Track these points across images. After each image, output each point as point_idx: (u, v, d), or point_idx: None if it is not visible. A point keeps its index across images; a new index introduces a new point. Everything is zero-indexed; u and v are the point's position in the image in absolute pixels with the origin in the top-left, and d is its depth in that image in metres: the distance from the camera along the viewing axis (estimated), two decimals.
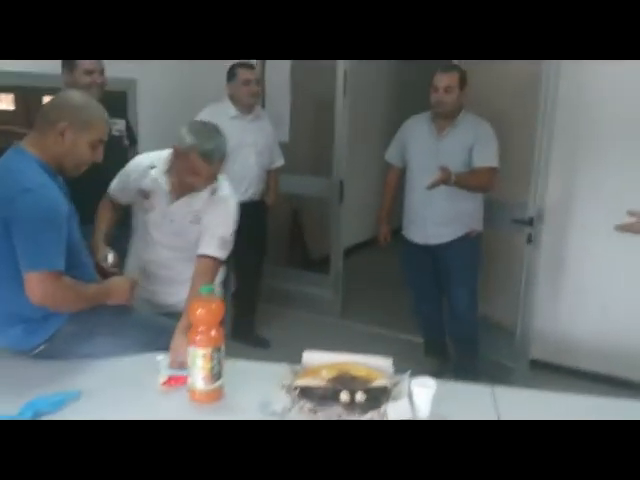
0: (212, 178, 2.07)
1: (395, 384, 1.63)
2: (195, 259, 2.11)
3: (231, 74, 3.41)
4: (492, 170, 2.93)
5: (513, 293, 3.18)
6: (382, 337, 3.81)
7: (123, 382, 1.67)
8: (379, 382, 1.62)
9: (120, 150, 2.81)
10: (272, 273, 4.26)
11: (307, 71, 4.19)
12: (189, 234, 2.15)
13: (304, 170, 4.32)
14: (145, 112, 3.63)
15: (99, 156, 1.79)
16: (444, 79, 2.91)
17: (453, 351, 3.29)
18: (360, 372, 1.67)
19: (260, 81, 3.47)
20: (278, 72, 4.22)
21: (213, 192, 2.12)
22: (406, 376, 1.64)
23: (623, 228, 2.09)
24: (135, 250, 2.32)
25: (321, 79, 4.14)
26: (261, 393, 1.57)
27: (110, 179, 2.32)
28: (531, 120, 2.98)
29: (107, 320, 1.82)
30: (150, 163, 2.19)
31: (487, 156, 2.92)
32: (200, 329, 1.55)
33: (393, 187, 3.30)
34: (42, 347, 1.75)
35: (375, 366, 1.72)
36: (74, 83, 2.69)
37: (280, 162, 3.73)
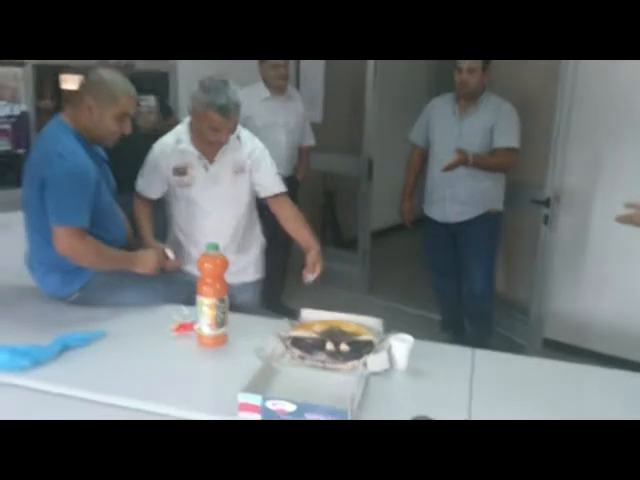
0: (233, 129, 2.17)
1: (380, 340, 1.80)
2: (273, 203, 2.36)
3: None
4: (512, 150, 3.01)
5: (530, 273, 3.29)
6: (403, 313, 3.96)
7: (144, 328, 1.91)
8: (365, 337, 1.80)
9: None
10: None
11: None
12: (239, 185, 2.30)
13: (336, 149, 4.49)
14: (185, 92, 3.87)
15: (127, 128, 1.99)
16: (467, 60, 2.99)
17: (468, 327, 3.41)
18: (349, 328, 1.85)
19: (288, 64, 3.61)
20: None
21: (238, 137, 2.27)
22: (391, 334, 1.81)
23: (623, 219, 2.14)
24: (178, 237, 2.38)
25: (353, 61, 4.28)
26: (259, 341, 1.77)
27: (146, 149, 2.46)
28: (552, 101, 3.06)
29: (135, 274, 2.04)
30: (174, 140, 2.27)
31: (508, 136, 3.00)
32: (207, 281, 1.76)
33: (416, 166, 3.40)
34: (76, 294, 2.00)
35: (365, 324, 1.91)
36: (104, 63, 2.94)
37: (311, 141, 3.89)
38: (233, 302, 2.29)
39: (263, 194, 2.38)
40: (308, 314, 1.97)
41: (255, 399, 1.39)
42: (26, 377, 1.55)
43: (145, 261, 2.03)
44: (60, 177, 1.83)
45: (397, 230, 5.47)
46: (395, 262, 5.14)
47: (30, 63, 3.07)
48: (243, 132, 2.33)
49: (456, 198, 3.11)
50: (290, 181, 3.81)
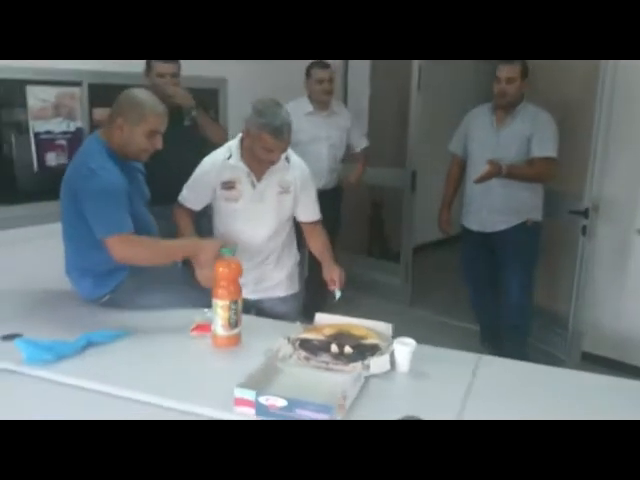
0: (285, 149, 2.26)
1: (387, 344, 1.84)
2: (307, 228, 2.47)
3: (308, 73, 3.70)
4: (550, 160, 2.99)
5: (570, 285, 3.22)
6: (444, 324, 3.95)
7: (166, 328, 2.02)
8: (371, 340, 1.85)
9: (191, 137, 3.14)
10: (348, 260, 4.52)
11: (385, 67, 4.42)
12: (282, 205, 2.38)
13: (381, 162, 4.54)
14: (234, 107, 4.04)
15: (157, 144, 2.11)
16: (506, 70, 3.02)
17: (505, 339, 3.37)
18: (358, 331, 1.91)
19: (332, 80, 3.69)
20: (359, 69, 4.49)
21: (287, 158, 2.36)
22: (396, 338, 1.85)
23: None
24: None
25: (398, 75, 4.34)
26: (271, 343, 1.85)
27: (183, 164, 2.56)
28: (591, 109, 3.02)
29: (163, 278, 2.18)
30: (224, 155, 2.34)
31: (545, 146, 2.99)
32: (222, 284, 1.86)
33: (455, 177, 3.43)
34: (108, 297, 2.14)
35: (375, 328, 1.95)
36: (153, 85, 3.10)
37: (364, 144, 3.92)
38: (270, 314, 2.41)
39: (301, 218, 2.48)
40: (322, 318, 2.03)
41: (249, 394, 1.47)
42: (49, 370, 1.67)
43: (207, 248, 2.03)
44: (93, 192, 1.97)
45: (441, 244, 5.46)
46: (438, 275, 5.13)
47: (86, 82, 3.30)
48: (293, 156, 2.42)
49: (492, 208, 3.12)
50: (331, 194, 3.91)
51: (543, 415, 1.47)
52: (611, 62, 2.91)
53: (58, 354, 1.72)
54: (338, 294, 2.41)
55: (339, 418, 1.44)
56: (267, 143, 2.16)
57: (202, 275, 2.03)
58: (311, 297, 4.04)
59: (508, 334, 3.27)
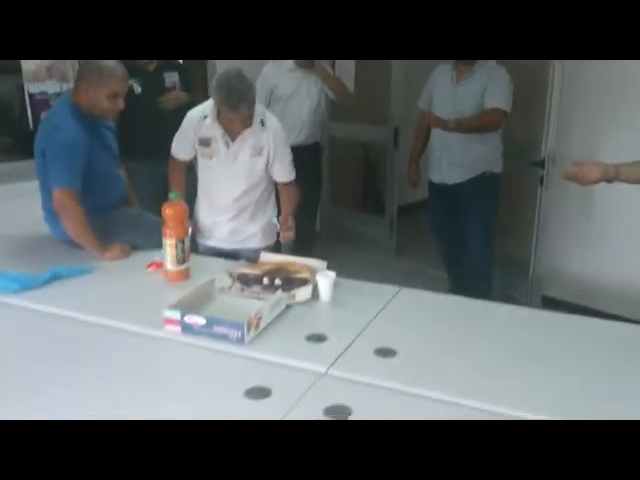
0: (247, 121, 2.37)
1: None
2: (281, 187, 2.64)
3: None
4: (499, 111, 3.09)
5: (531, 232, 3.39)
6: (424, 274, 4.12)
7: (126, 265, 2.28)
8: (302, 274, 2.08)
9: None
10: (338, 215, 4.76)
11: None
12: (255, 166, 2.50)
13: (367, 119, 4.70)
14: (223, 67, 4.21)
15: (118, 106, 2.32)
16: None
17: (467, 286, 3.53)
18: (293, 267, 2.13)
19: None
20: None
21: (262, 123, 2.46)
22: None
23: (568, 176, 2.24)
24: (203, 203, 2.64)
25: None
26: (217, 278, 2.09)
27: (167, 122, 2.79)
28: (549, 67, 3.14)
29: (131, 220, 2.45)
30: (202, 114, 2.47)
31: (496, 98, 3.08)
32: (169, 225, 2.09)
33: (423, 131, 3.53)
34: None
35: (311, 265, 2.17)
36: None
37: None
38: None
39: (275, 178, 2.62)
40: (265, 256, 2.27)
41: (175, 314, 1.72)
42: (17, 298, 1.95)
43: (110, 255, 2.30)
44: (53, 147, 2.22)
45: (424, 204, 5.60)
46: (421, 228, 5.28)
47: None
48: (270, 118, 2.53)
49: (451, 160, 3.26)
50: (314, 148, 4.08)
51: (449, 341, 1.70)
52: None
53: (24, 284, 1.99)
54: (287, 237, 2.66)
55: (251, 334, 1.68)
56: (227, 115, 2.34)
57: (108, 256, 2.30)
58: (299, 248, 4.28)
59: (470, 281, 3.42)
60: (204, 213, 2.64)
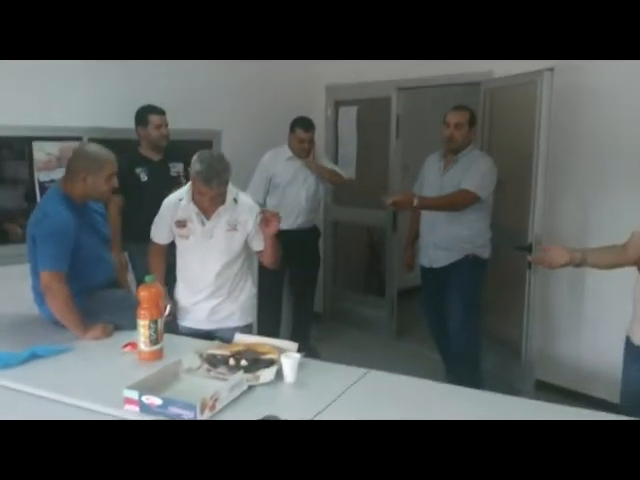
0: (216, 198, 2.50)
1: None
2: (260, 254, 2.71)
3: (292, 129, 3.98)
4: (465, 191, 3.14)
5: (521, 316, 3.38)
6: (425, 356, 4.12)
7: (105, 347, 2.35)
8: (270, 356, 2.11)
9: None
10: (343, 296, 4.82)
11: (369, 117, 4.75)
12: (231, 241, 2.61)
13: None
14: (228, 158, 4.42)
15: (114, 184, 2.51)
16: (455, 116, 3.26)
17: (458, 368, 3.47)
18: (262, 349, 2.17)
19: (313, 141, 4.00)
20: (348, 120, 4.84)
21: (235, 201, 2.61)
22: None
23: (536, 261, 2.30)
24: (182, 285, 2.73)
25: (380, 124, 4.65)
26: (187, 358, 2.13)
27: None
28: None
29: (111, 303, 2.53)
30: (178, 197, 2.64)
31: (468, 180, 3.16)
32: (144, 306, 2.17)
33: (416, 217, 3.64)
34: None
35: (281, 347, 2.21)
36: (147, 136, 3.55)
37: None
38: None
39: (255, 248, 2.71)
40: (239, 337, 2.32)
41: (134, 394, 1.76)
42: None
43: (91, 336, 2.39)
44: (42, 232, 2.37)
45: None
46: None
47: (86, 138, 3.76)
48: (242, 197, 2.68)
49: (437, 244, 3.35)
50: (313, 231, 4.21)
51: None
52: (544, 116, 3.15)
53: (3, 362, 2.06)
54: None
55: (204, 416, 1.71)
56: (199, 188, 2.48)
57: (89, 335, 2.39)
58: (297, 326, 4.31)
59: (457, 363, 3.41)
60: (183, 295, 2.72)
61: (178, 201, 2.64)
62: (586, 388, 3.36)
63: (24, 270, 3.17)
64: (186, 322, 2.72)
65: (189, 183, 2.64)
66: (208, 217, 2.60)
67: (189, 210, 2.60)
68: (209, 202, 2.52)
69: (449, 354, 3.53)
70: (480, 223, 3.30)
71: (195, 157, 2.49)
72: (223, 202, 2.57)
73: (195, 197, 2.56)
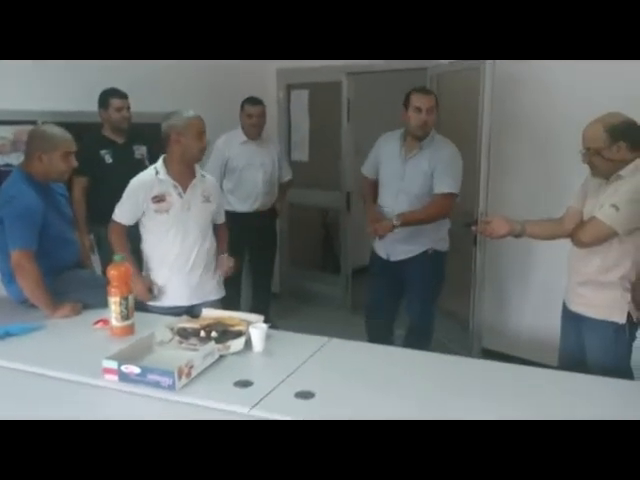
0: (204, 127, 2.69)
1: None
2: (219, 228, 2.91)
3: (241, 107, 4.09)
4: (447, 195, 3.05)
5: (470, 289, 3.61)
6: None
7: (75, 324, 2.43)
8: (239, 327, 2.25)
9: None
10: (299, 275, 4.98)
11: (320, 101, 4.90)
12: (205, 212, 2.77)
13: (320, 185, 4.99)
14: None
15: (72, 164, 2.56)
16: (427, 100, 3.03)
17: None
18: (231, 321, 2.31)
19: (262, 115, 4.10)
20: (299, 103, 4.96)
21: (203, 175, 2.81)
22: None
23: (478, 231, 2.49)
24: (158, 264, 2.76)
25: (332, 108, 4.80)
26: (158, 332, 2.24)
27: None
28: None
29: (78, 282, 2.61)
30: (152, 174, 2.68)
31: (446, 181, 3.04)
32: (114, 284, 2.26)
33: (371, 195, 3.41)
34: None
35: (248, 319, 2.35)
36: (108, 118, 3.60)
37: (288, 177, 4.36)
38: None
39: (216, 221, 2.90)
40: (208, 312, 2.44)
41: (113, 364, 1.87)
42: None
43: (60, 314, 2.47)
44: (10, 214, 2.42)
45: None
46: None
47: (40, 121, 3.75)
48: (205, 173, 2.88)
49: (396, 238, 3.14)
50: (270, 213, 4.32)
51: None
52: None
53: None
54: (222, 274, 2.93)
55: (182, 381, 1.83)
56: (198, 129, 2.65)
57: (59, 314, 2.47)
58: (256, 305, 4.44)
59: (411, 334, 3.40)
60: (160, 274, 2.76)
61: (155, 176, 2.69)
62: (530, 354, 3.58)
63: None
64: (165, 301, 2.75)
65: (160, 159, 2.75)
66: (185, 189, 2.71)
67: (166, 184, 2.69)
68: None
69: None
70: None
71: (168, 122, 2.67)
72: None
73: (191, 146, 2.65)
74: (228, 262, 2.91)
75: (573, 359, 2.42)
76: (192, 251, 2.75)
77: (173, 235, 2.72)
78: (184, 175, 2.72)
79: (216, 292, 2.90)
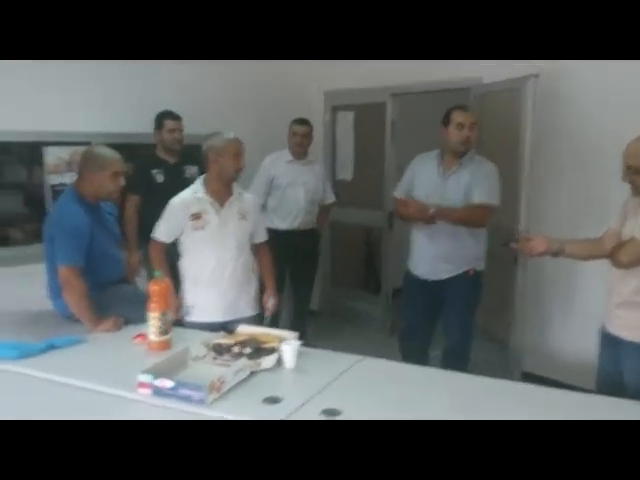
0: (242, 151, 2.79)
1: None
2: (257, 247, 2.99)
3: (290, 128, 4.22)
4: (486, 206, 3.04)
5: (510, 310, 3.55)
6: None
7: (117, 338, 2.52)
8: (272, 344, 2.28)
9: None
10: (340, 294, 4.99)
11: (365, 121, 4.94)
12: (242, 230, 2.86)
13: (364, 204, 5.01)
14: None
15: (120, 183, 2.67)
16: (470, 117, 3.06)
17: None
18: (265, 338, 2.34)
19: (308, 135, 4.20)
20: (345, 124, 5.03)
21: (241, 194, 2.89)
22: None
23: (516, 249, 2.46)
24: (194, 281, 2.85)
25: (376, 128, 4.83)
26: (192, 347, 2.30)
27: None
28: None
29: (121, 298, 2.70)
30: (191, 193, 2.81)
31: (484, 192, 3.02)
32: (154, 300, 2.34)
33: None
34: None
35: (281, 336, 2.38)
36: (162, 139, 3.75)
37: (331, 199, 4.44)
38: None
39: (256, 240, 2.98)
40: (242, 329, 2.49)
41: (147, 378, 1.93)
42: (15, 364, 2.18)
43: (102, 329, 2.56)
44: (60, 231, 2.54)
45: None
46: None
47: (94, 142, 3.92)
48: (245, 193, 2.96)
49: (437, 256, 3.14)
50: (311, 232, 4.38)
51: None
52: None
53: (22, 352, 2.23)
54: (268, 312, 2.96)
55: (213, 396, 1.87)
56: (234, 151, 2.75)
57: (101, 328, 2.56)
58: (295, 320, 4.47)
59: (449, 355, 3.35)
60: (195, 290, 2.85)
61: (192, 196, 2.81)
62: (571, 379, 3.48)
63: (24, 270, 3.37)
64: (200, 317, 2.83)
65: (201, 178, 2.88)
66: (222, 205, 2.81)
67: (204, 202, 2.79)
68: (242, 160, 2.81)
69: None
70: (483, 233, 3.20)
71: (207, 141, 2.80)
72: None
73: (227, 166, 2.76)
74: (273, 301, 3.01)
75: (611, 382, 2.35)
76: (228, 267, 2.83)
77: (209, 251, 2.81)
78: (221, 193, 2.81)
79: (251, 309, 2.96)
